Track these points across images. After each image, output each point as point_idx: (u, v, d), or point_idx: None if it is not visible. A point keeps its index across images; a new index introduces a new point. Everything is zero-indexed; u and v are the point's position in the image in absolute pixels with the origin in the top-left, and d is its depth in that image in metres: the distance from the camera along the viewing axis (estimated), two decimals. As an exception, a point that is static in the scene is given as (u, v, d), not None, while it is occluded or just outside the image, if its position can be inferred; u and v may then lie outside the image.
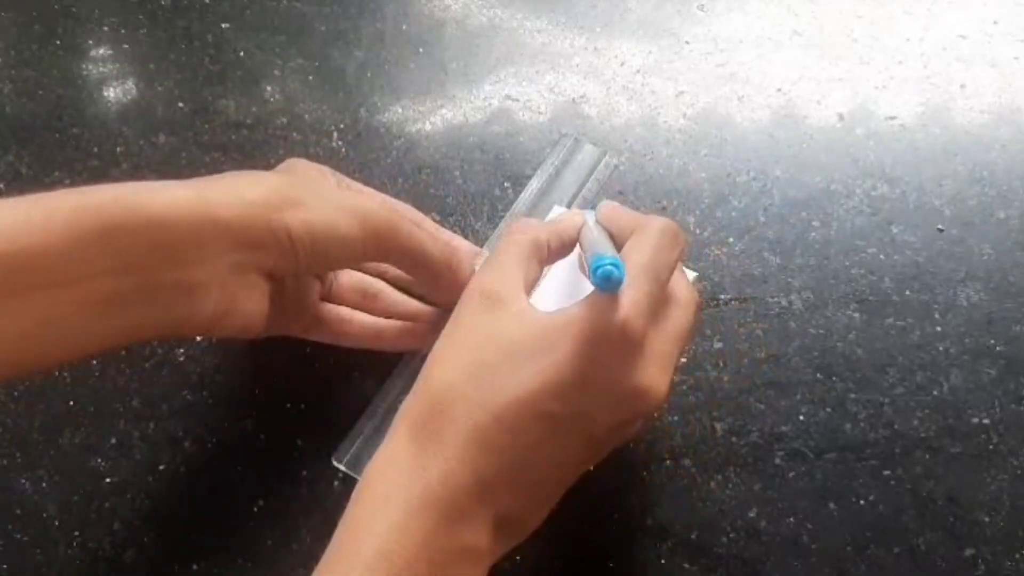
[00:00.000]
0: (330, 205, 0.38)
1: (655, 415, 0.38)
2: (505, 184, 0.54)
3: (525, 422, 0.34)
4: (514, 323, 0.36)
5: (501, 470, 0.34)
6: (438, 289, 0.43)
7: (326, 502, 0.45)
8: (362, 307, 0.46)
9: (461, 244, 0.46)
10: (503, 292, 0.37)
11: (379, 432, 0.43)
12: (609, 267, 0.34)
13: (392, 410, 0.43)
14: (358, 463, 0.43)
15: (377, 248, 0.39)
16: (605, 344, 0.34)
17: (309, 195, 0.38)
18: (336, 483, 0.45)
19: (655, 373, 0.35)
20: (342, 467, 0.44)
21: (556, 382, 0.34)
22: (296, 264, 0.37)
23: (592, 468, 0.39)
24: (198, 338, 0.49)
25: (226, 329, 0.37)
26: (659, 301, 0.37)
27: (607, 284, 0.34)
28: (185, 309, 0.35)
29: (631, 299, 0.35)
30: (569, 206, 0.50)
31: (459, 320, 0.37)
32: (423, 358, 0.38)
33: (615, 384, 0.35)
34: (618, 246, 0.39)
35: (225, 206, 0.35)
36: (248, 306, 0.37)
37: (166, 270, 0.34)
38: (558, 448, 0.35)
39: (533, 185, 0.51)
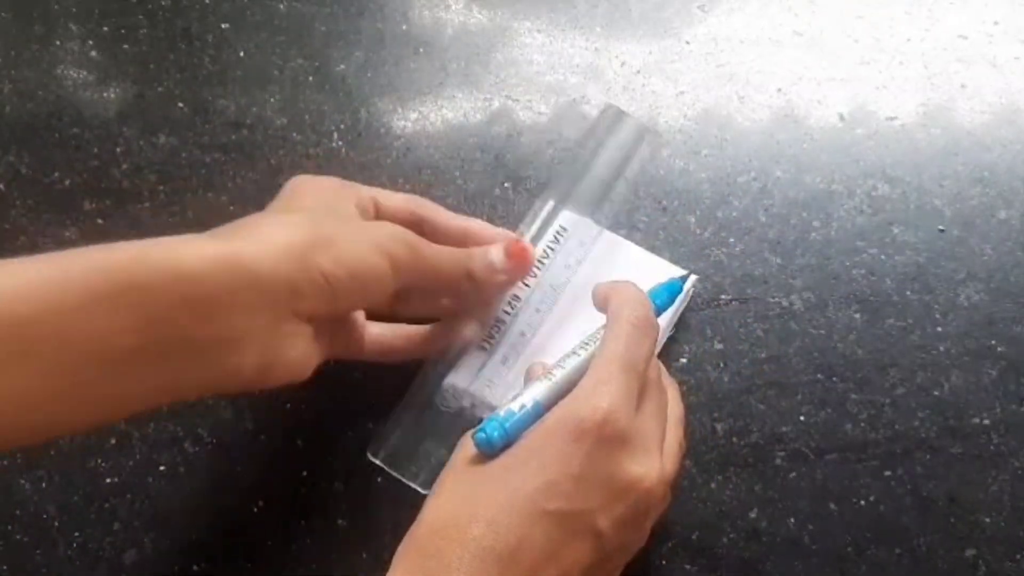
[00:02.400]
0: (358, 239, 0.37)
1: (664, 504, 0.38)
2: (505, 184, 0.54)
3: (524, 527, 0.33)
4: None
5: None
6: (459, 298, 0.44)
7: (327, 502, 0.45)
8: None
9: (479, 231, 0.45)
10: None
11: (418, 424, 0.43)
12: (481, 435, 0.36)
13: (427, 404, 0.44)
14: (395, 457, 0.43)
15: (403, 278, 0.39)
16: (589, 439, 0.34)
17: (337, 231, 0.37)
18: (337, 483, 0.45)
19: (644, 460, 0.35)
20: (378, 461, 0.43)
21: (548, 481, 0.33)
22: (335, 304, 0.37)
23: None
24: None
25: (274, 380, 0.37)
26: (638, 391, 0.37)
27: (482, 446, 0.36)
28: (225, 365, 0.35)
29: (609, 393, 0.35)
30: (607, 190, 0.49)
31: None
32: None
33: (607, 477, 0.34)
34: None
35: (255, 256, 0.34)
36: (292, 354, 0.37)
37: (198, 325, 0.33)
38: (565, 552, 0.34)
39: (580, 158, 0.49)
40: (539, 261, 0.46)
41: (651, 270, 0.49)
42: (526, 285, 0.46)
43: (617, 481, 0.34)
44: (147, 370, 0.33)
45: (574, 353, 0.39)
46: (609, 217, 0.49)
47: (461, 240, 0.44)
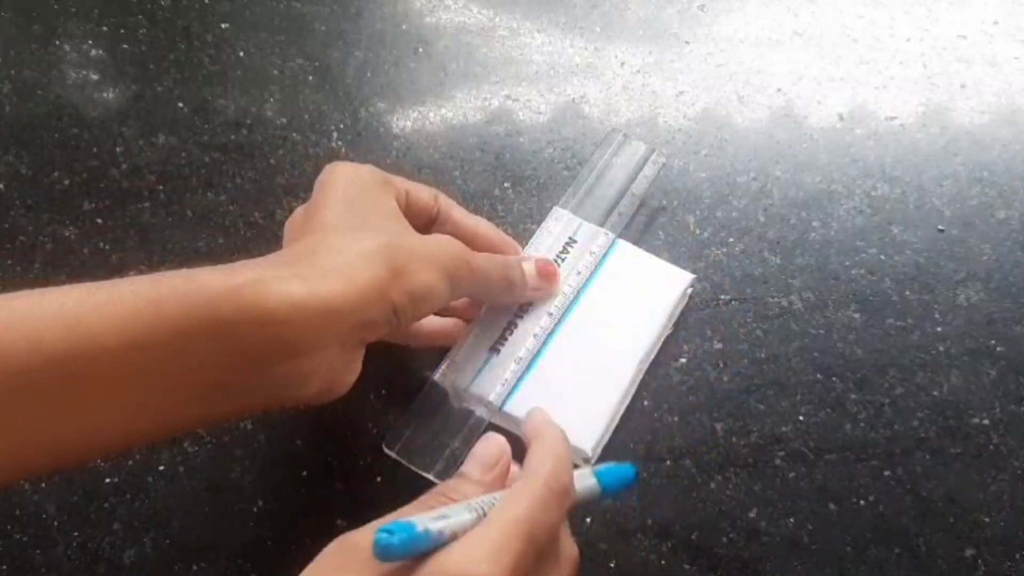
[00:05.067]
0: (427, 265, 0.38)
1: None
2: (505, 184, 0.54)
3: None
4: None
5: None
6: (495, 302, 0.46)
7: (327, 502, 0.45)
8: None
9: (505, 244, 0.47)
10: None
11: (432, 418, 0.44)
12: (383, 535, 0.30)
13: (440, 401, 0.44)
14: (410, 450, 0.44)
15: (457, 294, 0.40)
16: None
17: (409, 260, 0.37)
18: (337, 483, 0.45)
19: None
20: (393, 454, 0.44)
21: None
22: (397, 329, 0.38)
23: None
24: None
25: (323, 399, 0.38)
26: (532, 564, 0.32)
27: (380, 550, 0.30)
28: (293, 393, 0.35)
29: (497, 563, 0.30)
30: (616, 203, 0.50)
31: None
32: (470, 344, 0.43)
33: None
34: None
35: (341, 297, 0.34)
36: (348, 377, 0.38)
37: (279, 363, 0.34)
38: None
39: (583, 180, 0.51)
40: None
41: (661, 276, 0.49)
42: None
43: None
44: (222, 401, 0.34)
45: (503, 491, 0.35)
46: (616, 228, 0.49)
47: (470, 240, 0.44)
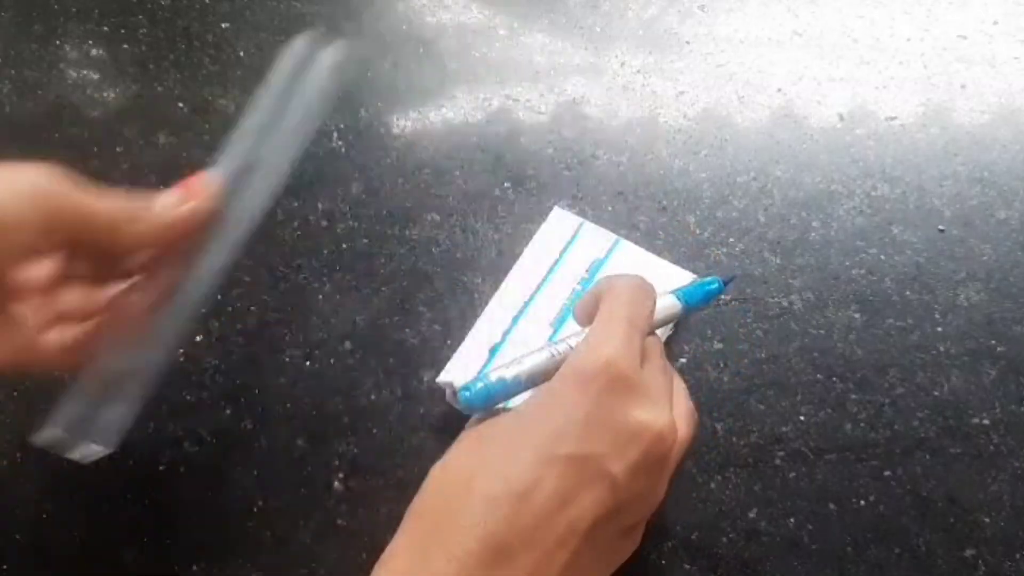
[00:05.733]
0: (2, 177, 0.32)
1: (677, 459, 0.37)
2: (505, 184, 0.54)
3: (535, 472, 0.32)
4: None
5: (521, 533, 0.31)
6: (128, 241, 0.37)
7: (326, 502, 0.45)
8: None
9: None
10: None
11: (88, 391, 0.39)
12: (464, 392, 0.36)
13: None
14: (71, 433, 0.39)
15: (55, 220, 0.34)
16: (595, 386, 0.33)
17: None
18: (336, 483, 0.45)
19: (651, 408, 0.34)
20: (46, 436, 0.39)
21: (556, 428, 0.33)
22: None
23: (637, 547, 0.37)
24: (198, 337, 0.49)
25: None
26: (640, 347, 0.36)
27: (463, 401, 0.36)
28: None
29: (611, 343, 0.35)
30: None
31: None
32: None
33: (615, 421, 0.33)
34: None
35: None
36: None
37: None
38: (578, 496, 0.32)
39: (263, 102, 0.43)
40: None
41: (662, 276, 0.49)
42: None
43: (626, 425, 0.33)
44: None
45: (571, 336, 0.39)
46: (286, 150, 0.42)
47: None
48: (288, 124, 0.42)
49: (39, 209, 0.33)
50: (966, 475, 0.46)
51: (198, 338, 0.49)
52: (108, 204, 0.36)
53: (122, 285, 0.40)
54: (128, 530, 0.44)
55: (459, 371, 0.45)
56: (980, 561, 0.44)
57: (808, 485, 0.45)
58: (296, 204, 0.53)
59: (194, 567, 0.43)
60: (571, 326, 0.47)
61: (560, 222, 0.49)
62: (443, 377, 0.45)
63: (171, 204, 0.37)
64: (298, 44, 0.43)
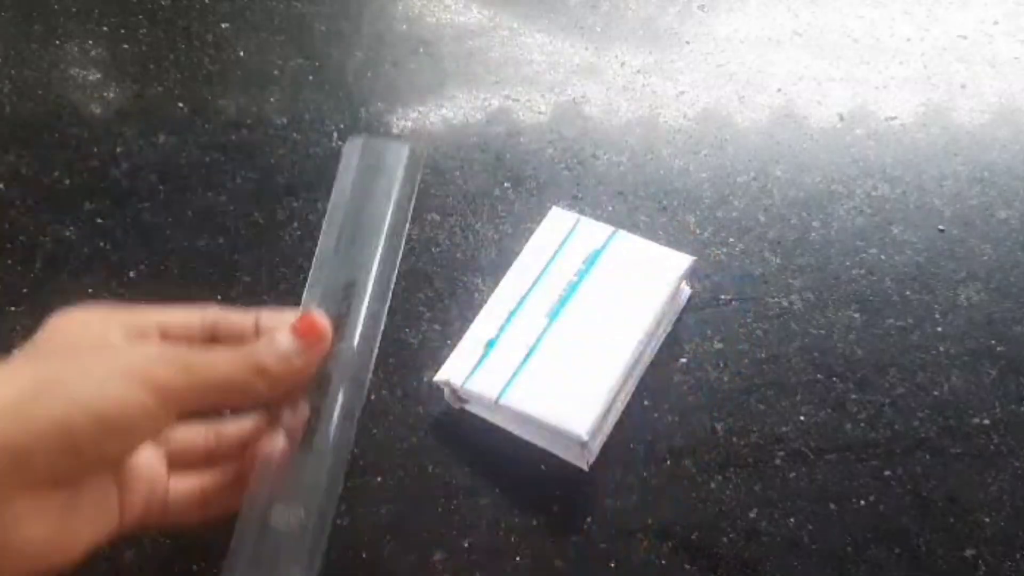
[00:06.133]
0: (99, 370, 0.31)
1: None
2: (505, 184, 0.54)
3: None
4: None
5: None
6: (255, 398, 0.36)
7: (326, 502, 0.45)
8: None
9: (270, 318, 0.38)
10: None
11: (257, 560, 0.37)
12: None
13: (268, 529, 0.36)
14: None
15: (178, 404, 0.32)
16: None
17: (67, 368, 0.31)
18: (336, 483, 0.45)
19: None
20: None
21: None
22: (81, 458, 0.30)
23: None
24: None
25: (21, 568, 0.30)
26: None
27: None
28: None
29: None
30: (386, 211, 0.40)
31: None
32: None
33: None
34: None
35: None
36: (29, 533, 0.30)
37: None
38: None
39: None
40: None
41: (661, 260, 0.48)
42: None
43: None
44: None
45: None
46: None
47: (253, 333, 0.38)
48: (377, 235, 0.39)
49: (158, 395, 0.31)
50: (966, 475, 0.46)
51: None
52: (226, 369, 0.34)
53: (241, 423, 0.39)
54: (128, 530, 0.44)
55: (456, 370, 0.45)
56: (980, 561, 0.44)
57: (808, 485, 0.45)
58: (296, 204, 0.53)
59: (194, 567, 0.43)
60: (567, 313, 0.46)
61: (558, 220, 0.49)
62: (440, 376, 0.45)
63: (290, 353, 0.35)
64: (355, 145, 0.40)
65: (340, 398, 0.37)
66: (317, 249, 0.39)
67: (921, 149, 0.55)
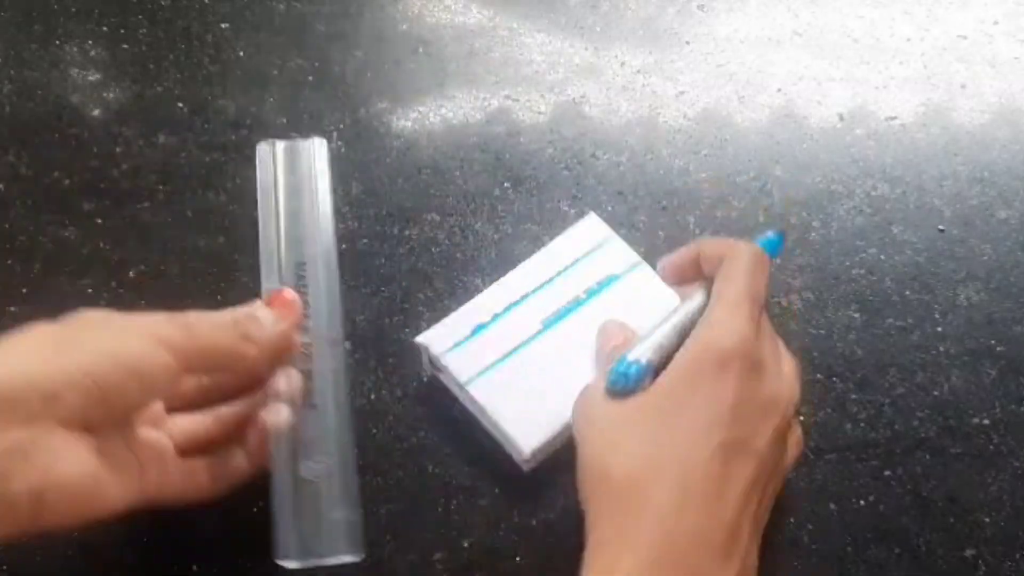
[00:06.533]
0: (120, 328, 0.35)
1: (793, 413, 0.40)
2: (505, 184, 0.54)
3: (707, 463, 0.35)
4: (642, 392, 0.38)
5: (710, 516, 0.35)
6: (240, 364, 0.40)
7: (326, 502, 0.45)
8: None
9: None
10: None
11: (303, 510, 0.40)
12: (618, 378, 0.38)
13: (302, 481, 0.40)
14: (307, 551, 0.40)
15: (185, 361, 0.36)
16: (735, 367, 0.36)
17: (91, 327, 0.34)
18: (336, 483, 0.45)
19: (779, 379, 0.38)
20: (294, 564, 0.40)
21: (712, 416, 0.36)
22: (108, 404, 0.33)
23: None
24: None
25: (60, 509, 0.32)
26: (759, 313, 0.39)
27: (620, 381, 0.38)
28: None
29: (744, 322, 0.37)
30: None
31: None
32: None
33: (754, 402, 0.37)
34: (706, 274, 0.42)
35: None
36: (68, 470, 0.32)
37: None
38: (736, 475, 0.36)
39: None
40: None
41: (666, 305, 0.45)
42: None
43: (762, 403, 0.37)
44: None
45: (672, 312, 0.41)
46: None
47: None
48: (314, 219, 0.46)
49: (171, 350, 0.35)
50: (966, 475, 0.46)
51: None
52: (217, 334, 0.38)
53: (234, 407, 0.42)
54: (128, 530, 0.44)
55: (439, 339, 0.45)
56: (980, 561, 0.44)
57: (808, 485, 0.45)
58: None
59: (194, 567, 0.43)
60: (563, 326, 0.46)
61: (590, 228, 0.49)
62: (422, 339, 0.45)
63: (268, 321, 0.40)
64: (267, 147, 0.47)
65: (324, 358, 0.42)
66: (261, 243, 0.44)
67: (921, 149, 0.55)
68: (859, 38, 0.59)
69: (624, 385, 0.38)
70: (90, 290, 0.50)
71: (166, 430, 0.40)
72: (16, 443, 0.31)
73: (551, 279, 0.47)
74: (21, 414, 0.31)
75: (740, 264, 0.40)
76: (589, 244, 0.48)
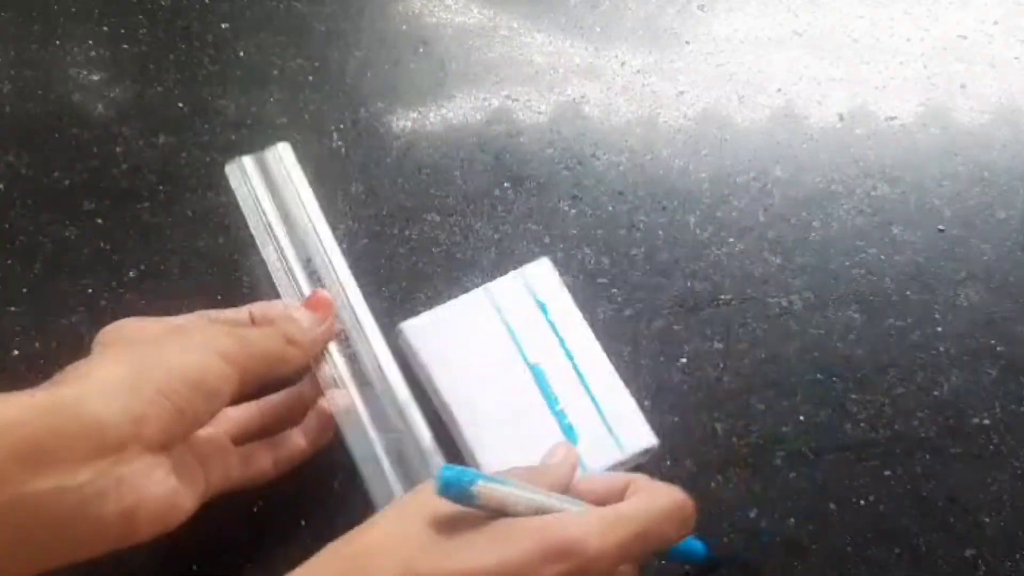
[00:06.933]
0: (184, 347, 0.36)
1: None
2: (505, 184, 0.54)
3: None
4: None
5: None
6: (291, 365, 0.42)
7: (326, 502, 0.45)
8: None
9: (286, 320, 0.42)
10: None
11: (402, 472, 0.42)
12: (448, 473, 0.32)
13: (393, 445, 0.42)
14: None
15: (243, 371, 0.37)
16: (565, 565, 0.31)
17: (160, 347, 0.36)
18: (336, 483, 0.45)
19: None
20: None
21: (501, 566, 0.31)
22: (183, 422, 0.35)
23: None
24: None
25: (145, 528, 0.34)
26: (639, 551, 0.34)
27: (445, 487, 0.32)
28: (84, 522, 0.32)
29: (611, 541, 0.32)
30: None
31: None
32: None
33: None
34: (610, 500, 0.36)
35: (79, 394, 0.33)
36: (155, 490, 0.34)
37: (33, 477, 0.31)
38: None
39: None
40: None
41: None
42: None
43: None
44: None
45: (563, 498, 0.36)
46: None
47: (250, 323, 0.43)
48: (307, 219, 0.47)
49: (231, 362, 0.37)
50: (966, 475, 0.46)
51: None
52: (266, 342, 0.40)
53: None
54: (128, 530, 0.44)
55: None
56: (980, 561, 0.44)
57: (808, 485, 0.45)
58: (296, 204, 0.53)
59: (194, 567, 0.43)
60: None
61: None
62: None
63: (309, 324, 0.42)
64: (235, 165, 0.48)
65: (362, 339, 0.44)
66: (262, 252, 0.45)
67: (921, 149, 0.55)
68: (859, 38, 0.59)
69: (442, 487, 0.32)
70: (90, 290, 0.50)
71: (219, 425, 0.42)
72: (110, 469, 0.32)
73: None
74: (114, 441, 0.33)
75: (660, 500, 0.35)
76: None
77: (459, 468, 0.33)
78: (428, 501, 0.33)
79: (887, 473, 0.46)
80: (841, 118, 0.56)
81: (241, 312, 0.43)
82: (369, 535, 0.33)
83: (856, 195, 0.54)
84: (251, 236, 0.52)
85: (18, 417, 0.31)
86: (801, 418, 0.47)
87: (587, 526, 0.32)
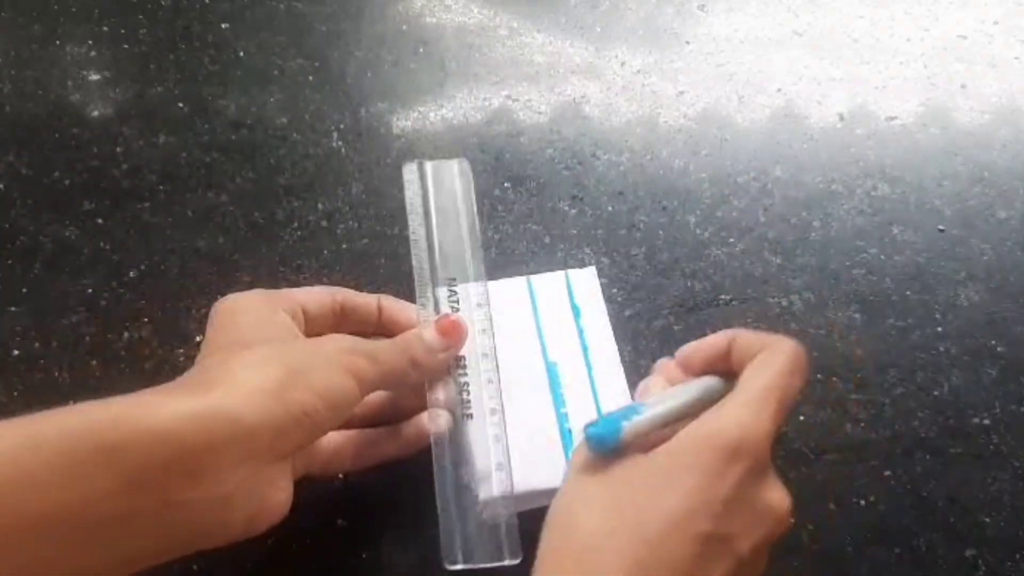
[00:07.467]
0: (325, 363, 0.37)
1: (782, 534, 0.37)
2: (505, 184, 0.54)
3: (676, 547, 0.33)
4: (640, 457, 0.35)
5: None
6: (409, 382, 0.42)
7: (327, 502, 0.45)
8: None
9: (391, 306, 0.44)
10: None
11: (466, 516, 0.41)
12: (594, 431, 0.34)
13: (463, 488, 0.42)
14: (470, 554, 0.41)
15: (368, 389, 0.39)
16: (744, 462, 0.34)
17: (304, 361, 0.37)
18: (337, 483, 0.45)
19: (779, 489, 0.35)
20: (459, 566, 0.40)
21: (700, 502, 0.33)
22: (315, 436, 0.37)
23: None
24: (197, 338, 0.49)
25: (260, 528, 0.36)
26: (783, 417, 0.36)
27: (594, 442, 0.34)
28: (214, 523, 0.34)
29: (764, 423, 0.35)
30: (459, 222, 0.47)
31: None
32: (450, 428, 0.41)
33: (751, 504, 0.34)
34: (736, 370, 0.38)
35: (235, 407, 0.33)
36: (278, 497, 0.36)
37: (184, 487, 0.32)
38: (706, 572, 0.33)
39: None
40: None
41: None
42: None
43: (759, 508, 0.34)
44: (130, 537, 0.32)
45: (689, 387, 0.38)
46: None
47: (376, 316, 0.44)
48: (460, 237, 0.46)
49: (358, 381, 0.37)
50: (966, 475, 0.46)
51: (198, 338, 0.49)
52: (391, 360, 0.40)
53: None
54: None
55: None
56: (980, 561, 0.44)
57: (808, 485, 0.45)
58: (296, 204, 0.53)
59: (194, 567, 0.43)
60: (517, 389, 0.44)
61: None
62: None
63: (437, 348, 0.42)
64: (413, 167, 0.47)
65: (477, 370, 0.43)
66: (413, 258, 0.44)
67: (921, 149, 0.55)
68: (859, 38, 0.59)
69: (596, 446, 0.35)
70: (90, 290, 0.50)
71: None
72: (247, 477, 0.34)
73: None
74: (253, 450, 0.34)
75: (779, 359, 0.37)
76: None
77: (598, 423, 0.34)
78: (590, 463, 0.35)
79: (887, 473, 0.46)
80: (841, 118, 0.56)
81: (371, 303, 0.43)
82: (585, 523, 0.34)
83: (856, 195, 0.54)
84: (252, 235, 0.52)
85: (173, 427, 0.32)
86: (801, 418, 0.47)
87: (738, 420, 0.34)
